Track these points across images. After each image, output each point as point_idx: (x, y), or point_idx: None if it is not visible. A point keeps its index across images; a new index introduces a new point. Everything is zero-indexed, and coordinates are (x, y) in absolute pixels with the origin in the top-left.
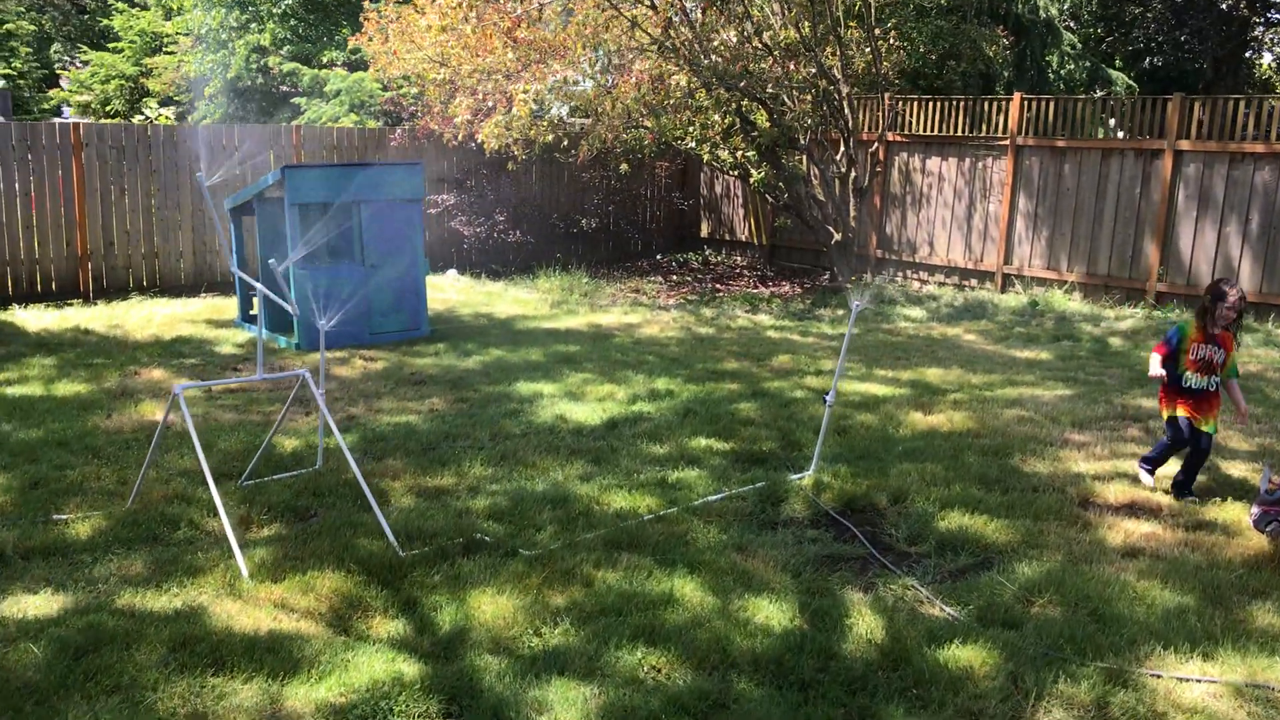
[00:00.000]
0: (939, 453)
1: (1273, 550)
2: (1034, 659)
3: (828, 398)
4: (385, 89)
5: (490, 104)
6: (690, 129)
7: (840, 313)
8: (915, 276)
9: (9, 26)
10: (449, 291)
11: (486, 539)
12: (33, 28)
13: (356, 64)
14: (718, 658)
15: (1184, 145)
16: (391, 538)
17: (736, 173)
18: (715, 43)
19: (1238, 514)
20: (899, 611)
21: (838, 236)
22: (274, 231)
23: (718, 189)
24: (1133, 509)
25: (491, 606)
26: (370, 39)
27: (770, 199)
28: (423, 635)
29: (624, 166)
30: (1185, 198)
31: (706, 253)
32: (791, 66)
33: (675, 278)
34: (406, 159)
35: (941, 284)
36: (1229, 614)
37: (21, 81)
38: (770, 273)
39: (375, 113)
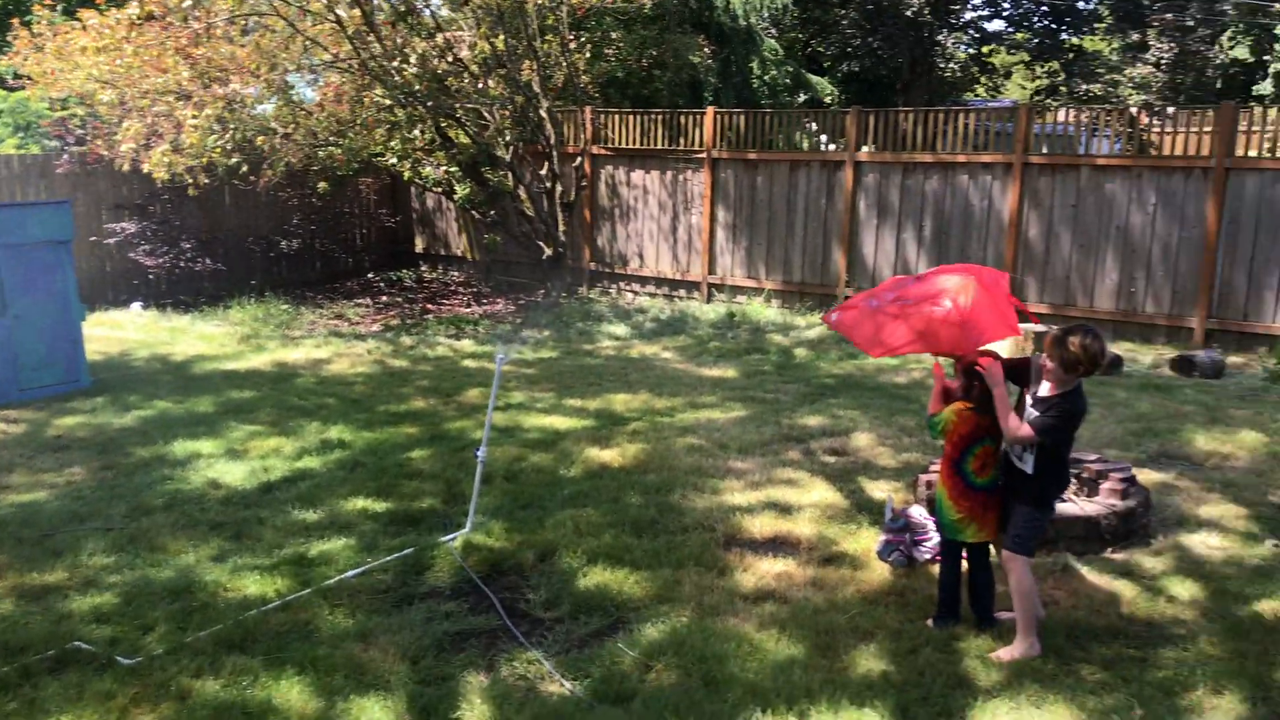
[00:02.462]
0: (603, 494)
1: (893, 581)
2: None
3: (479, 453)
4: (52, 110)
5: (161, 128)
6: (390, 145)
7: (547, 333)
8: (628, 288)
9: None
10: (129, 330)
11: (84, 648)
12: None
13: (24, 82)
14: None
15: (862, 156)
16: None
17: (441, 189)
18: (411, 59)
19: (869, 543)
20: (515, 694)
21: (549, 251)
22: None
23: (429, 204)
24: (775, 543)
25: None
26: (25, 59)
27: (477, 215)
28: None
29: (322, 185)
30: (866, 206)
31: (421, 269)
32: (489, 82)
33: (385, 298)
34: (76, 188)
35: (653, 295)
36: (834, 663)
37: None
38: (486, 289)
39: (42, 136)
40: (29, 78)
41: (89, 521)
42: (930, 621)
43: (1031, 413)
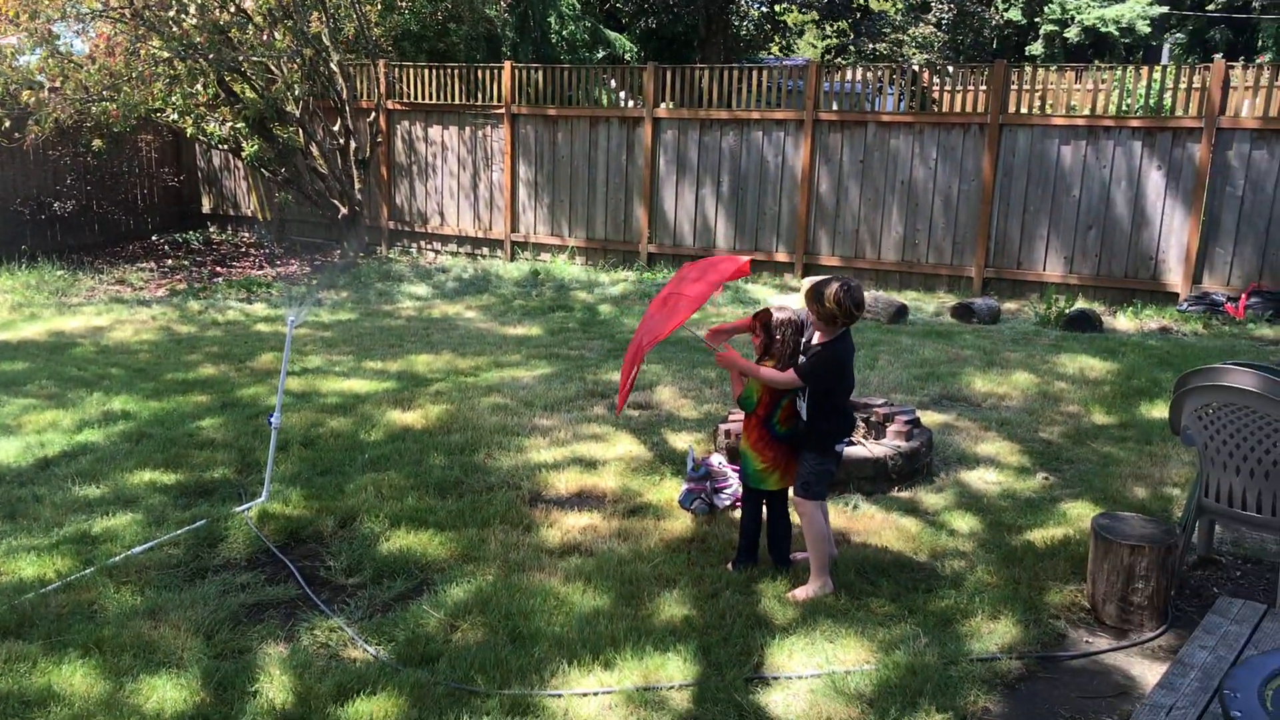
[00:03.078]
0: (405, 457)
1: (695, 528)
2: (440, 699)
3: (272, 420)
4: None
5: None
6: (171, 100)
7: (345, 295)
8: (429, 248)
9: None
10: None
11: None
12: None
13: None
14: None
15: (661, 113)
16: None
17: (228, 146)
18: (190, 9)
19: (672, 493)
20: (316, 662)
21: (345, 210)
22: None
23: (216, 162)
24: (580, 498)
25: None
26: None
27: (267, 173)
28: None
29: (97, 143)
30: (666, 162)
31: (210, 230)
32: (276, 34)
33: (171, 262)
34: None
35: (455, 254)
36: (638, 611)
37: None
38: (279, 250)
39: None
40: None
41: None
42: (730, 565)
43: (801, 359)
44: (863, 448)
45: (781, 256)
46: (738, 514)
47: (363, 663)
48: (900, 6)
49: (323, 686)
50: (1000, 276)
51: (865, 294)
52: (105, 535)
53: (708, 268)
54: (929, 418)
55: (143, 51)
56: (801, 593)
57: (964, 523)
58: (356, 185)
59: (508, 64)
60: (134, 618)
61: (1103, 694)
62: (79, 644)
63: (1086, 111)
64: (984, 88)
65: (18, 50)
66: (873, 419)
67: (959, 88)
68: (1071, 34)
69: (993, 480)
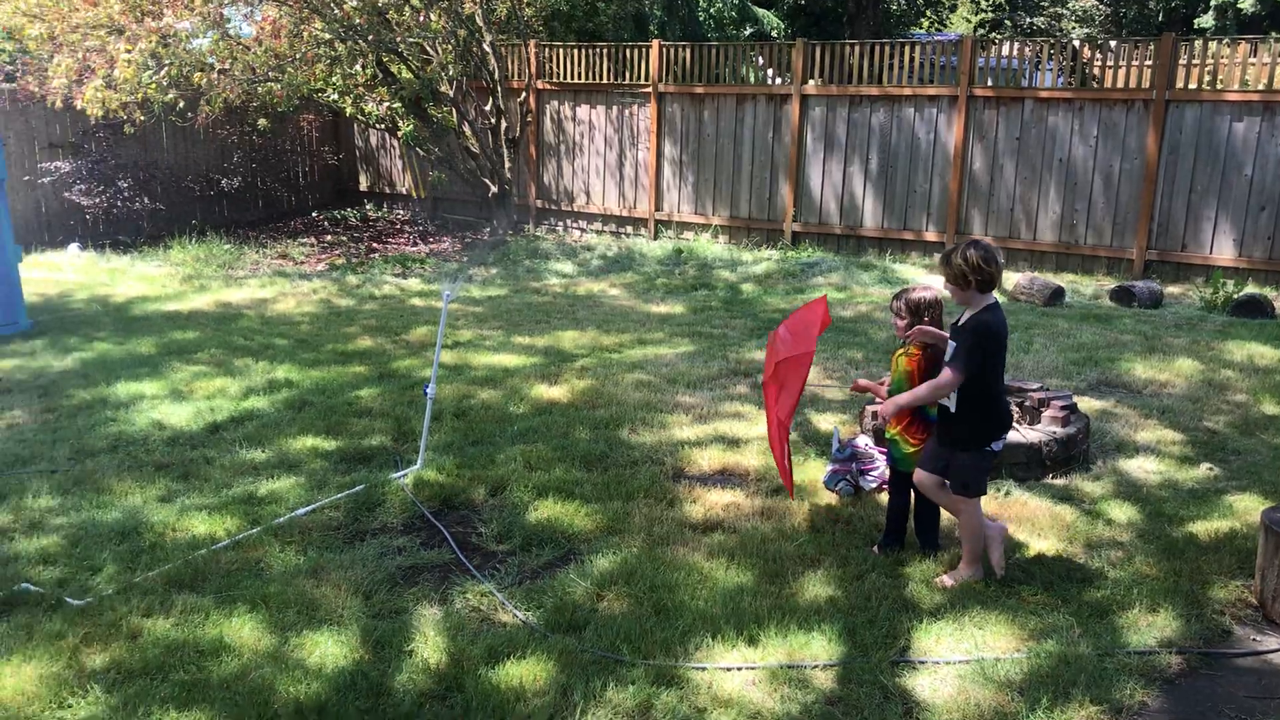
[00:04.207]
0: (552, 430)
1: (840, 509)
2: (587, 666)
3: (428, 391)
4: None
5: (94, 64)
6: (331, 81)
7: (494, 271)
8: (575, 226)
9: None
10: (67, 271)
11: (31, 589)
12: None
13: None
14: (256, 713)
15: (809, 90)
16: None
17: (384, 125)
18: None
19: (816, 473)
20: (469, 625)
21: (494, 189)
22: None
23: (373, 141)
24: (723, 475)
25: (14, 680)
26: None
27: (422, 152)
28: None
29: (262, 122)
30: (813, 140)
31: (367, 207)
32: (432, 16)
33: (330, 238)
34: (7, 126)
35: (600, 232)
36: (782, 589)
37: None
38: (431, 228)
39: None
40: None
41: (32, 464)
42: (876, 548)
43: (951, 345)
44: (1017, 433)
45: (931, 236)
46: (883, 497)
47: (512, 627)
48: None
49: (475, 649)
50: (1163, 259)
51: (1022, 275)
52: (270, 497)
53: (793, 326)
54: (1086, 404)
55: (305, 33)
56: (950, 578)
57: (1122, 512)
58: (506, 164)
59: (655, 42)
60: (297, 576)
61: (1274, 694)
62: (247, 599)
63: (1262, 86)
64: (1149, 62)
65: (191, 34)
66: (1027, 404)
67: (1121, 62)
68: (1246, 4)
69: (1153, 469)
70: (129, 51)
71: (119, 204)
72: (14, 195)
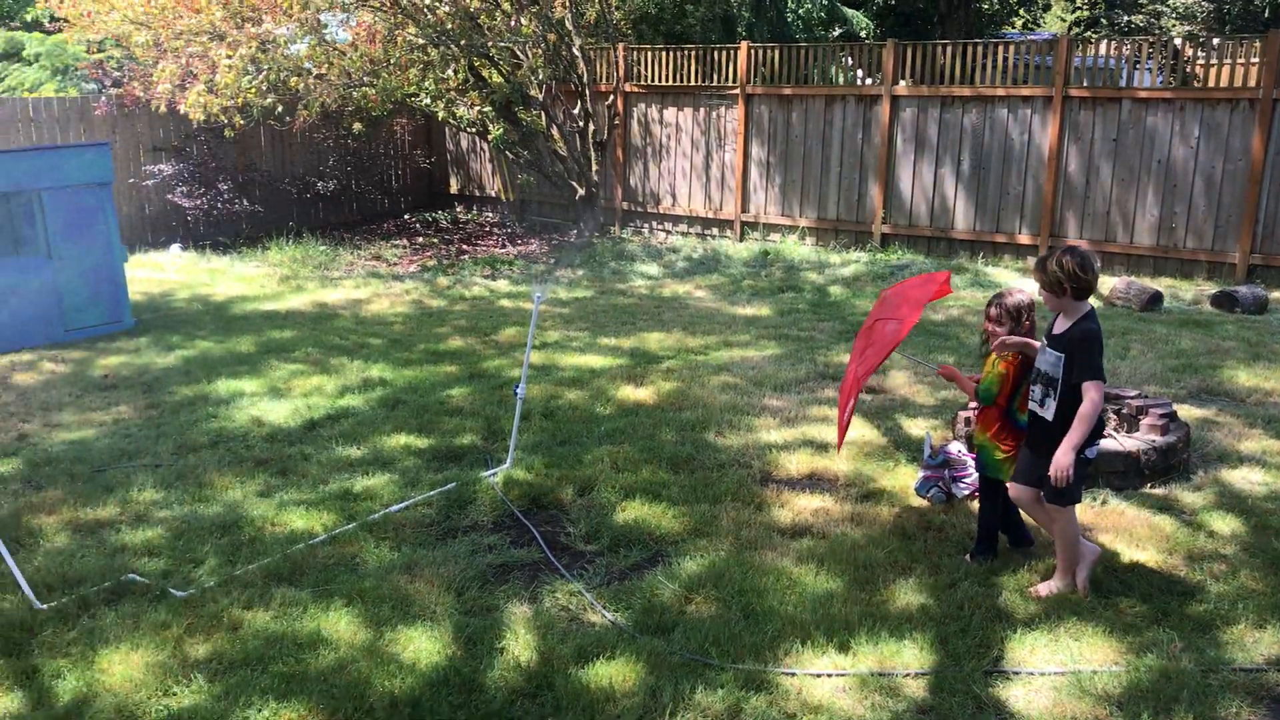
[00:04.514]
0: (639, 431)
1: (932, 516)
2: (676, 668)
3: (518, 390)
4: (89, 53)
5: (196, 69)
6: (424, 86)
7: (581, 273)
8: (660, 228)
9: None
10: (169, 271)
11: (138, 580)
12: None
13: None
14: (353, 706)
15: (900, 90)
16: (28, 590)
17: (475, 129)
18: None
19: (907, 479)
20: (559, 624)
21: (581, 191)
22: None
23: (464, 144)
24: (811, 480)
25: (122, 666)
26: (62, 1)
27: (511, 155)
28: (39, 710)
29: (357, 126)
30: (903, 141)
31: (457, 210)
32: (522, 20)
33: (421, 240)
34: (114, 130)
35: (685, 234)
36: (872, 596)
37: None
38: (520, 230)
39: (80, 79)
40: (66, 20)
41: (137, 458)
42: (968, 556)
43: (1049, 354)
44: (1114, 440)
45: (1024, 239)
46: (975, 504)
47: (601, 627)
48: None
49: (564, 648)
50: (1267, 263)
51: (1118, 279)
52: (365, 493)
53: (906, 289)
54: (1186, 412)
55: (400, 39)
56: (1044, 588)
57: (1225, 524)
58: (593, 167)
59: (744, 44)
60: (392, 572)
61: None
62: (343, 593)
63: None
64: (1255, 60)
65: (289, 39)
66: (1125, 411)
67: (1225, 60)
68: None
69: (1258, 481)
70: (230, 57)
71: (219, 206)
72: (119, 197)
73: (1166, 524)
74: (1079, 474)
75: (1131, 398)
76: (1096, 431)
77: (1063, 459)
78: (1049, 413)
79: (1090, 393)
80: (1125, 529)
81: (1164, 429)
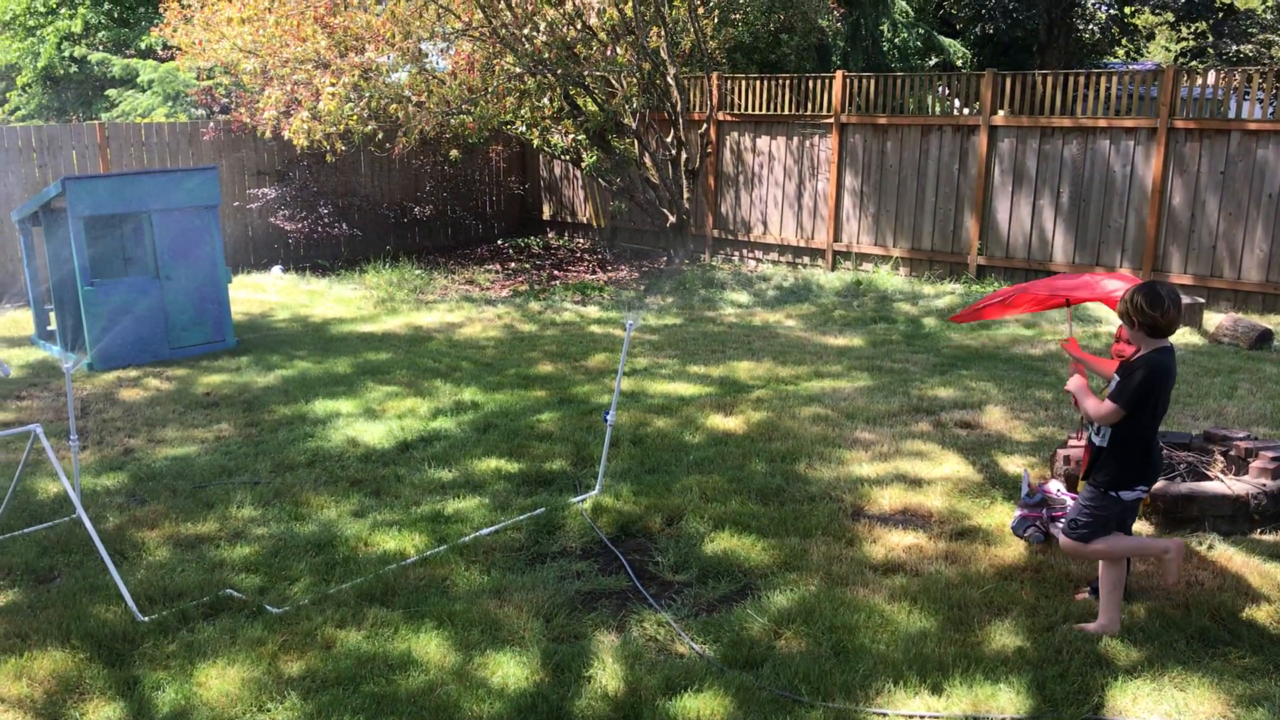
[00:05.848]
0: (728, 461)
1: (1028, 557)
2: (765, 704)
3: (607, 417)
4: (199, 79)
5: (300, 96)
6: (520, 113)
7: (670, 300)
8: (751, 256)
9: None
10: (270, 292)
11: (235, 596)
12: None
13: (173, 52)
14: None
15: (998, 121)
16: (131, 603)
17: (569, 157)
18: (541, 26)
19: (1003, 518)
20: (646, 654)
21: (673, 219)
22: (62, 244)
23: (557, 171)
24: (904, 516)
25: (219, 681)
26: (175, 30)
27: (603, 182)
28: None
29: (454, 153)
30: (1001, 172)
31: (549, 236)
32: (617, 49)
33: (514, 265)
34: (221, 155)
35: (776, 262)
36: (967, 637)
37: None
38: (610, 256)
39: (189, 105)
40: (178, 48)
41: (237, 476)
42: (1088, 591)
43: (1114, 380)
44: (1221, 484)
45: (1125, 273)
46: None
47: (689, 659)
48: (1270, 4)
49: (652, 679)
50: None
51: (1224, 316)
52: (456, 516)
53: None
54: None
55: (497, 68)
56: (1092, 626)
57: None
58: (685, 194)
59: (839, 73)
60: (481, 595)
61: None
62: (434, 615)
63: None
64: None
65: (391, 68)
66: (1233, 453)
67: None
68: None
69: None
70: (333, 85)
71: (319, 229)
72: (224, 220)
73: (1278, 572)
74: (1098, 510)
75: (1240, 439)
76: (1140, 474)
77: (1072, 384)
78: (1103, 439)
79: (1107, 404)
80: (1234, 576)
81: (1275, 472)
